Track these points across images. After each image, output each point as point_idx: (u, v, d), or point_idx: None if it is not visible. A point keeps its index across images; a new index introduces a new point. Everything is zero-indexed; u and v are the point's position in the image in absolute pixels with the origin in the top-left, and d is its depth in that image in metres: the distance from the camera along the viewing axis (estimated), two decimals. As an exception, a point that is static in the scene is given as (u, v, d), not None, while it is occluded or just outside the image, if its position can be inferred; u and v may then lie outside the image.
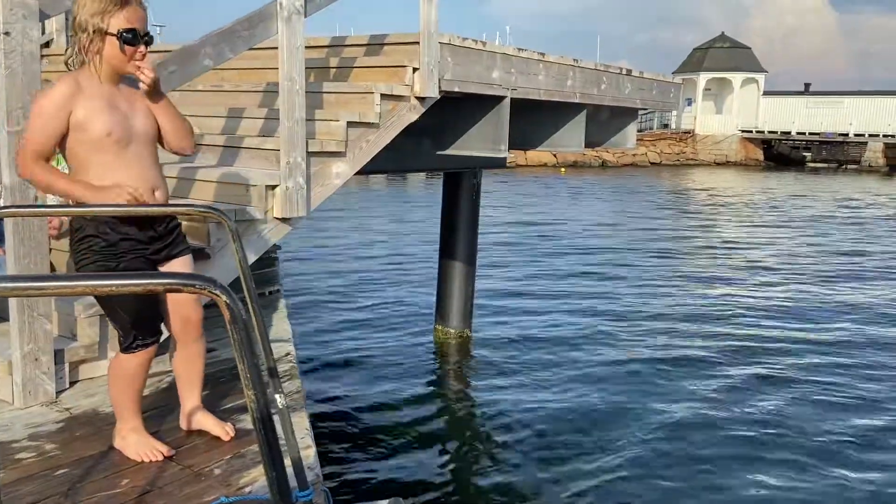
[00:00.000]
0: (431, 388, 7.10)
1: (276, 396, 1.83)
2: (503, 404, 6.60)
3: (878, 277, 12.63)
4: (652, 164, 45.05)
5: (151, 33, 2.32)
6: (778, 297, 10.93)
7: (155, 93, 2.37)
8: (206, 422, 2.57)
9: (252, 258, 3.38)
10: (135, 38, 2.22)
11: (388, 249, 14.14)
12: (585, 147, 6.24)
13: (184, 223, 3.25)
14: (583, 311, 9.81)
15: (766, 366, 7.81)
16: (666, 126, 48.59)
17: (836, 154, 46.24)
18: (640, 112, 7.66)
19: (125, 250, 2.30)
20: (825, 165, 46.07)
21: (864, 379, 7.43)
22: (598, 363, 7.74)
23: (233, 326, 0.93)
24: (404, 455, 5.57)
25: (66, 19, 5.33)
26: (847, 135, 44.91)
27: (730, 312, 9.98)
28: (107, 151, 2.25)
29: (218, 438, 2.54)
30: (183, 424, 2.59)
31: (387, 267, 12.41)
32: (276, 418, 1.73)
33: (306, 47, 3.53)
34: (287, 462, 1.90)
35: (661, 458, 5.60)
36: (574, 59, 5.65)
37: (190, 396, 2.59)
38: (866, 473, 5.47)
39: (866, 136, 44.45)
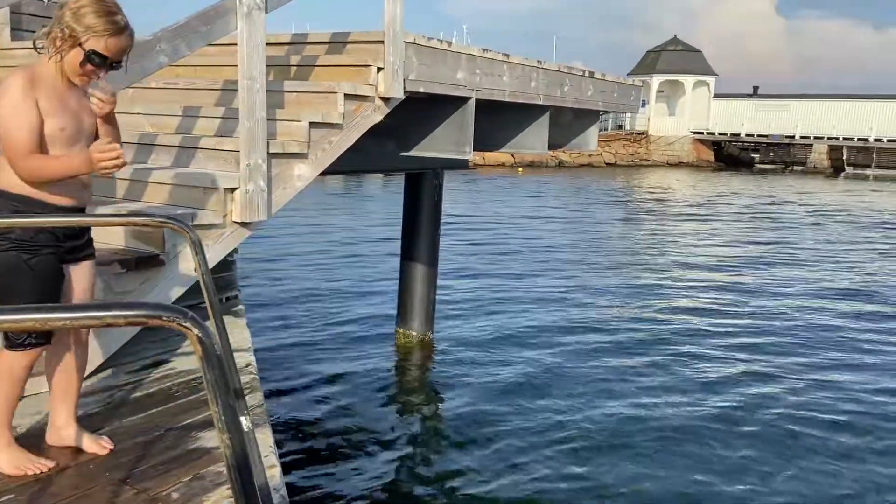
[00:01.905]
0: (393, 392, 6.98)
1: (242, 419, 1.71)
2: (466, 408, 6.53)
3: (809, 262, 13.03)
4: (607, 164, 45.67)
5: (123, 63, 2.27)
6: (720, 290, 11.16)
7: (106, 119, 2.36)
8: (81, 438, 2.38)
9: (210, 264, 3.23)
10: (100, 63, 2.20)
11: (347, 251, 13.95)
12: (548, 149, 6.22)
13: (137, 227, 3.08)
14: (544, 312, 9.82)
15: (738, 366, 7.91)
16: (621, 127, 49.32)
17: (782, 155, 47.63)
18: (601, 113, 7.68)
19: (42, 244, 2.20)
20: (772, 166, 47.40)
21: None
22: (559, 363, 7.74)
23: (206, 364, 0.82)
24: (367, 463, 5.44)
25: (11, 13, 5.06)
26: (793, 137, 46.29)
27: (691, 306, 10.16)
28: (56, 146, 2.20)
29: (175, 458, 2.39)
30: (51, 440, 2.38)
31: (346, 269, 12.24)
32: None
33: (266, 44, 3.39)
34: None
35: (628, 456, 5.61)
36: (538, 61, 5.60)
37: (65, 408, 2.38)
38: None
39: (811, 138, 45.88)
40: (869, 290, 11.99)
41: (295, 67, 4.35)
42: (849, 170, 44.59)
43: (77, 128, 2.24)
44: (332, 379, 7.06)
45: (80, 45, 2.15)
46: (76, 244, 2.31)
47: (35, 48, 2.22)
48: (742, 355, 8.31)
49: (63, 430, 2.38)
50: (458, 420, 6.26)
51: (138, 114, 4.27)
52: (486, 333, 8.71)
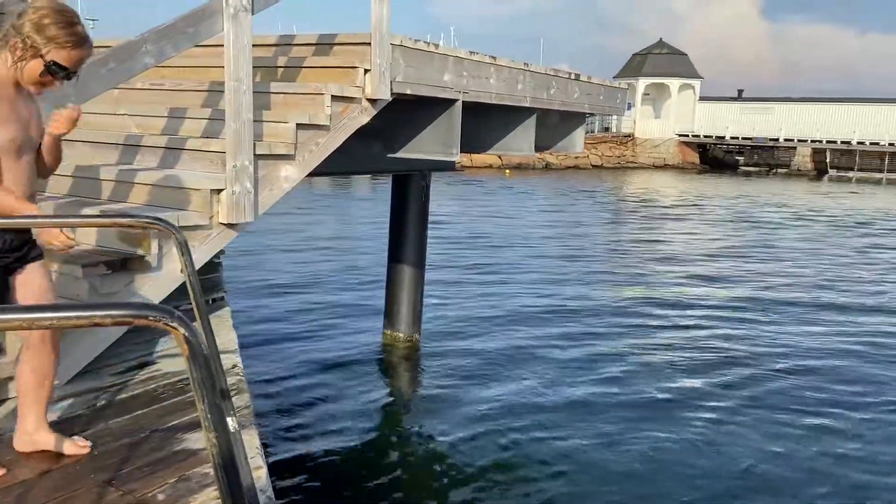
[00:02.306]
0: (380, 394, 6.98)
1: (228, 420, 1.71)
2: (453, 409, 6.54)
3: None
4: (594, 166, 45.86)
5: (78, 73, 2.25)
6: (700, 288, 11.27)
7: (55, 138, 2.34)
8: (59, 442, 2.34)
9: (196, 266, 3.22)
10: (62, 75, 2.19)
11: (334, 252, 13.93)
12: (535, 150, 6.24)
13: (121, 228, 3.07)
14: (532, 314, 9.85)
15: (717, 370, 7.98)
16: (607, 129, 49.55)
17: (767, 158, 48.04)
18: (588, 115, 7.73)
19: None
20: (757, 169, 47.80)
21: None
22: (548, 367, 7.77)
23: (192, 363, 0.83)
24: (354, 465, 5.44)
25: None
26: (777, 140, 46.70)
27: (682, 303, 10.26)
28: (3, 157, 2.18)
29: (160, 460, 2.38)
30: (21, 446, 2.33)
31: (333, 270, 12.22)
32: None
33: (253, 45, 3.39)
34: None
35: (617, 457, 5.64)
36: (524, 63, 5.63)
37: (34, 412, 2.34)
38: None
39: (795, 141, 46.30)
40: (842, 288, 12.26)
41: (282, 69, 4.34)
42: (832, 172, 45.03)
43: (25, 138, 2.22)
44: (319, 380, 7.05)
45: (41, 55, 2.12)
46: (18, 255, 2.29)
47: None
48: (716, 343, 8.77)
49: (34, 435, 2.34)
50: (446, 422, 6.27)
51: (124, 115, 4.25)
52: (473, 334, 8.72)
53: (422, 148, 5.09)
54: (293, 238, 15.35)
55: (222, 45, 3.27)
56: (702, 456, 5.78)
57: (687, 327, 9.62)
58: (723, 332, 9.32)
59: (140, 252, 3.05)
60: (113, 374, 3.10)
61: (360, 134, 4.26)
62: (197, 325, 1.85)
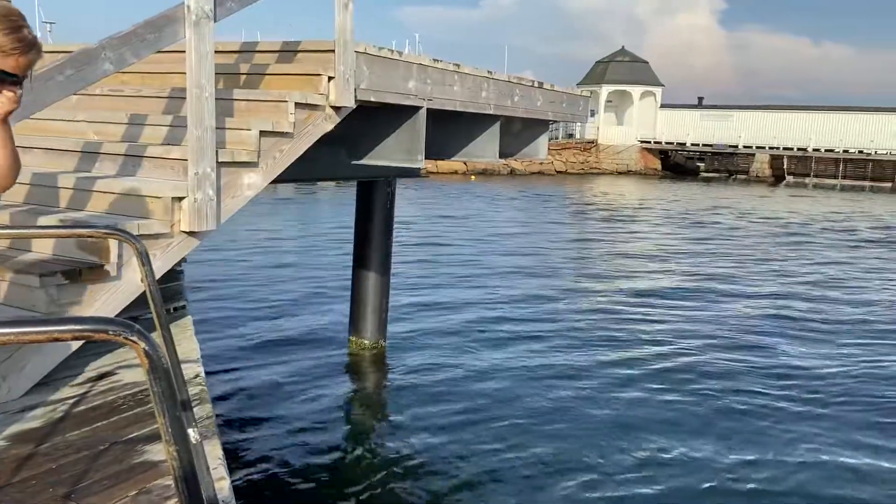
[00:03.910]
0: (346, 402, 6.95)
1: (189, 431, 1.70)
2: (420, 416, 6.54)
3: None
4: (558, 172, 46.31)
5: (29, 77, 2.18)
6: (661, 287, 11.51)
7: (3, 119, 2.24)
8: None
9: (157, 275, 3.18)
10: (11, 81, 2.10)
11: (298, 259, 13.83)
12: (499, 157, 6.30)
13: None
14: (498, 318, 9.91)
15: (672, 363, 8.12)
16: (571, 136, 50.11)
17: (726, 164, 49.07)
18: (551, 122, 7.82)
19: None
20: (717, 175, 48.77)
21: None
22: (514, 371, 7.83)
23: (152, 376, 0.83)
24: (318, 473, 5.40)
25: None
26: (737, 147, 47.74)
27: (640, 305, 10.44)
28: None
29: (120, 472, 2.35)
30: None
31: (298, 277, 12.13)
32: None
33: (215, 52, 3.36)
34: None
35: (581, 466, 5.70)
36: (488, 71, 5.68)
37: None
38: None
39: (754, 147, 47.38)
40: (788, 293, 12.72)
41: (245, 76, 4.32)
42: (789, 178, 46.17)
43: None
44: (284, 389, 7.00)
45: None
46: None
47: None
48: (666, 337, 9.29)
49: None
50: (412, 429, 6.27)
51: (82, 121, 4.18)
52: (439, 340, 8.75)
53: (386, 155, 5.10)
54: (257, 244, 15.21)
55: (184, 52, 3.25)
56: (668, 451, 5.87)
57: (642, 321, 9.92)
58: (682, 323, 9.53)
59: (99, 261, 3.01)
60: (71, 386, 3.05)
61: (325, 141, 4.26)
62: (157, 336, 1.84)
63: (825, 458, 5.90)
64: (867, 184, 43.90)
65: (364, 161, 5.23)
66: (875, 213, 28.98)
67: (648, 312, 10.80)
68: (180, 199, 3.31)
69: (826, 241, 20.20)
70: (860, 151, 44.59)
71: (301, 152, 4.01)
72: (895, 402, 7.30)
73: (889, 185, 43.18)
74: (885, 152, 43.95)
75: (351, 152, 5.30)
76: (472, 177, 40.09)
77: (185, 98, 3.34)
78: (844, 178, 45.05)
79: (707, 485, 5.45)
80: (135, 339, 0.82)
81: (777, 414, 6.87)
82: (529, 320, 10.02)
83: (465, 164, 39.05)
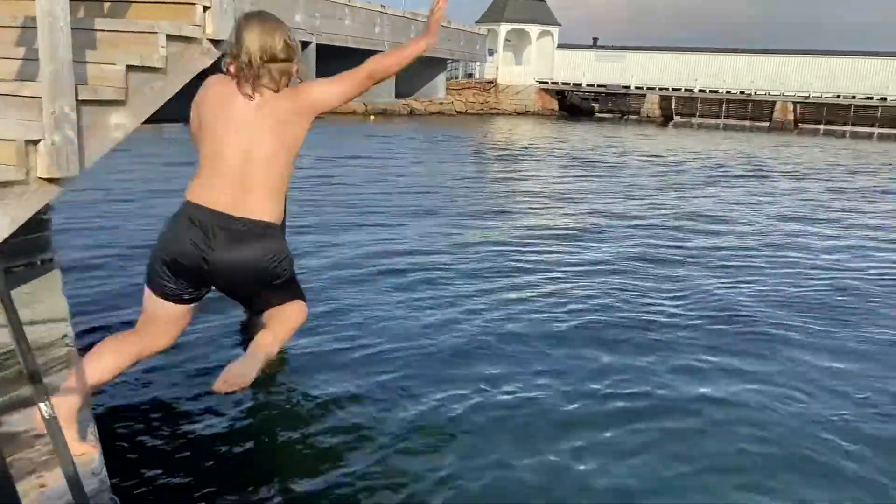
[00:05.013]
0: (235, 357, 6.61)
1: (41, 406, 1.52)
2: (317, 371, 6.28)
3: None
4: (458, 112, 46.18)
5: None
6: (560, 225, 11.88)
7: None
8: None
9: (12, 228, 2.87)
10: None
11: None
12: (396, 97, 6.12)
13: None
14: (393, 255, 9.84)
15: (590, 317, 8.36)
16: (470, 76, 49.83)
17: (619, 105, 50.45)
18: (449, 62, 7.65)
19: None
20: (611, 115, 50.13)
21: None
22: (412, 306, 7.79)
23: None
24: (203, 441, 4.97)
25: None
26: (629, 87, 49.04)
27: (532, 239, 10.75)
28: None
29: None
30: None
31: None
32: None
33: (70, -25, 2.98)
34: (60, 475, 1.61)
35: (492, 430, 5.67)
36: (381, 6, 5.43)
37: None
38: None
39: (645, 89, 48.84)
40: (661, 224, 13.60)
41: (108, 3, 3.89)
42: (677, 118, 48.05)
43: None
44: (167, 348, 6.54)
45: None
46: None
47: None
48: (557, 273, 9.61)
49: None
50: (309, 384, 6.09)
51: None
52: (339, 287, 8.55)
53: (274, 93, 4.80)
54: (139, 190, 14.34)
55: (32, -26, 2.86)
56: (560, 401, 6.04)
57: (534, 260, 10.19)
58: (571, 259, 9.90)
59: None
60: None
61: (206, 76, 3.93)
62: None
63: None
64: (747, 123, 46.38)
65: (250, 100, 4.90)
66: (749, 150, 30.78)
67: (539, 246, 11.29)
68: (35, 141, 2.96)
69: (703, 176, 21.47)
70: (741, 92, 46.84)
71: (176, 90, 3.67)
72: (754, 322, 7.94)
73: (767, 124, 45.79)
74: (763, 93, 46.37)
75: (235, 90, 4.95)
76: (372, 117, 39.33)
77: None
78: (727, 117, 47.35)
79: (573, 388, 6.00)
80: None
81: (650, 332, 7.45)
82: (425, 255, 10.03)
83: (364, 104, 38.17)
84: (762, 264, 10.69)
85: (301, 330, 6.72)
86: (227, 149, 2.43)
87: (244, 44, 2.43)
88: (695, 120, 47.60)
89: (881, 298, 9.11)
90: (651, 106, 49.35)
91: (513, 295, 8.62)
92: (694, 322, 7.84)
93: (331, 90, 2.59)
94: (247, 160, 2.44)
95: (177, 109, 3.82)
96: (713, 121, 47.24)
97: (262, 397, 5.79)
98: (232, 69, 2.45)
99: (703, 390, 6.14)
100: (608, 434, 5.35)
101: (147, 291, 2.51)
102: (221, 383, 2.42)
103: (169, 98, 3.66)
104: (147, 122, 3.74)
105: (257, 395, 5.79)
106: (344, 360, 6.49)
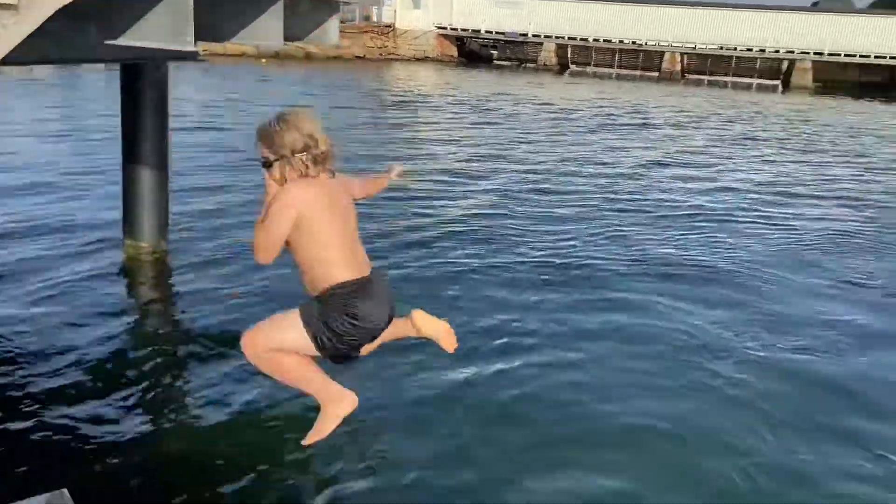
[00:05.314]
0: (121, 311, 6.28)
1: None
2: (209, 328, 6.03)
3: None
4: (357, 57, 44.99)
5: None
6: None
7: None
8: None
9: None
10: None
11: (61, 153, 12.22)
12: (285, 40, 5.79)
13: None
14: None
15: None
16: (367, 19, 48.48)
17: (517, 53, 50.66)
18: (343, 4, 7.32)
19: None
20: (509, 63, 50.29)
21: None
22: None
23: None
24: (87, 412, 4.64)
25: None
26: (526, 35, 49.22)
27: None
28: None
29: None
30: None
31: (61, 171, 10.76)
32: None
33: None
34: None
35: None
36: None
37: None
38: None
39: (542, 37, 49.17)
40: (546, 169, 14.18)
41: (-56, -74, 3.42)
42: (572, 67, 48.82)
43: None
44: (48, 304, 6.16)
45: None
46: None
47: None
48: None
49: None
50: (200, 336, 5.87)
51: None
52: (226, 242, 8.17)
53: (147, 34, 4.43)
54: (5, 138, 13.18)
55: None
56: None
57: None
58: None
59: None
60: None
61: (70, 15, 3.56)
62: None
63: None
64: (639, 73, 47.79)
65: (120, 41, 4.50)
66: (637, 99, 31.82)
67: (432, 189, 11.64)
68: None
69: (592, 124, 22.14)
70: (633, 42, 48.06)
71: (32, 28, 3.30)
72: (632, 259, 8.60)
73: (656, 74, 47.35)
74: (654, 43, 47.77)
75: (103, 30, 4.53)
76: (264, 60, 37.64)
77: None
78: (620, 67, 48.58)
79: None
80: None
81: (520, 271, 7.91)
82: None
83: (257, 47, 36.43)
84: (630, 207, 11.44)
85: (188, 295, 6.40)
86: (337, 225, 2.80)
87: (316, 136, 2.78)
88: (590, 69, 48.52)
89: (737, 227, 10.41)
90: (548, 54, 49.81)
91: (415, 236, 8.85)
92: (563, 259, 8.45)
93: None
94: (347, 225, 2.87)
95: (29, 51, 3.46)
96: (607, 70, 48.35)
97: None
98: (310, 163, 2.75)
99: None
100: (499, 365, 5.54)
101: (310, 348, 2.84)
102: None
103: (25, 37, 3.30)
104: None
105: (159, 344, 5.54)
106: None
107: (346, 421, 3.09)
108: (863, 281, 8.28)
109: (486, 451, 4.49)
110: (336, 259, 2.80)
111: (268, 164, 2.81)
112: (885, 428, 5.09)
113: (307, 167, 2.78)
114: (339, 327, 2.78)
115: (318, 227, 2.74)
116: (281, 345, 2.82)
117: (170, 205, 7.73)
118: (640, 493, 4.19)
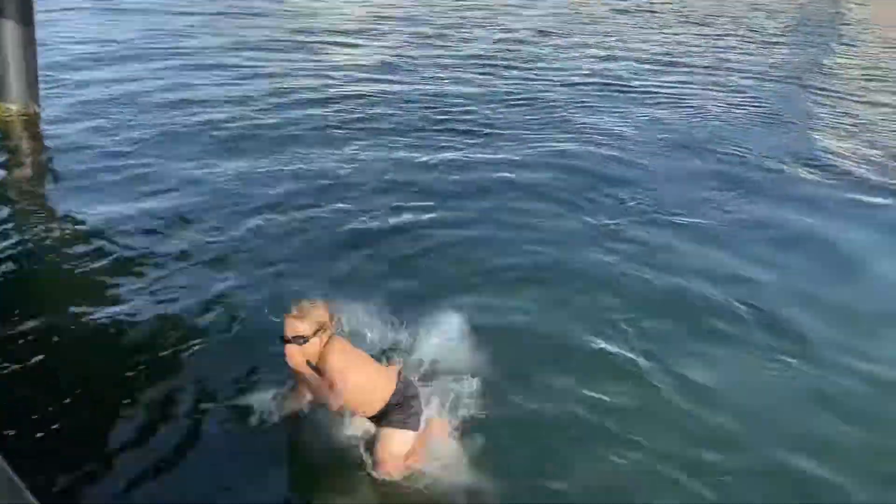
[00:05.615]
0: None
1: None
2: (85, 192, 5.76)
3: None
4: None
5: None
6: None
7: None
8: None
9: None
10: None
11: None
12: None
13: None
14: (165, 76, 9.04)
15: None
16: None
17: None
18: None
19: None
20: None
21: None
22: (195, 130, 7.35)
23: None
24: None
25: None
26: None
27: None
28: None
29: None
30: None
31: None
32: None
33: None
34: None
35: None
36: None
37: None
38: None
39: None
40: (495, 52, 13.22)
41: None
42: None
43: None
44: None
45: None
46: None
47: None
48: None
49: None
50: (70, 189, 5.63)
51: None
52: (101, 103, 7.73)
53: None
54: None
55: None
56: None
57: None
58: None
59: None
60: None
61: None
62: None
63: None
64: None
65: None
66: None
67: (348, 78, 10.53)
68: None
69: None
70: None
71: None
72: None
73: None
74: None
75: None
76: None
77: None
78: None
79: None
80: None
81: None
82: (225, 85, 9.19)
83: None
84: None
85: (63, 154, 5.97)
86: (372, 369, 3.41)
87: (331, 314, 3.25)
88: None
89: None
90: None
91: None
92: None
93: None
94: None
95: None
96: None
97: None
98: (325, 337, 3.20)
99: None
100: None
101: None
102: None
103: None
104: None
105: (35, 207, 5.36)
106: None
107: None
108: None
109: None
110: (370, 393, 3.41)
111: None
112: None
113: (323, 339, 3.26)
114: None
115: (357, 378, 3.33)
116: None
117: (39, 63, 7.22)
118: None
